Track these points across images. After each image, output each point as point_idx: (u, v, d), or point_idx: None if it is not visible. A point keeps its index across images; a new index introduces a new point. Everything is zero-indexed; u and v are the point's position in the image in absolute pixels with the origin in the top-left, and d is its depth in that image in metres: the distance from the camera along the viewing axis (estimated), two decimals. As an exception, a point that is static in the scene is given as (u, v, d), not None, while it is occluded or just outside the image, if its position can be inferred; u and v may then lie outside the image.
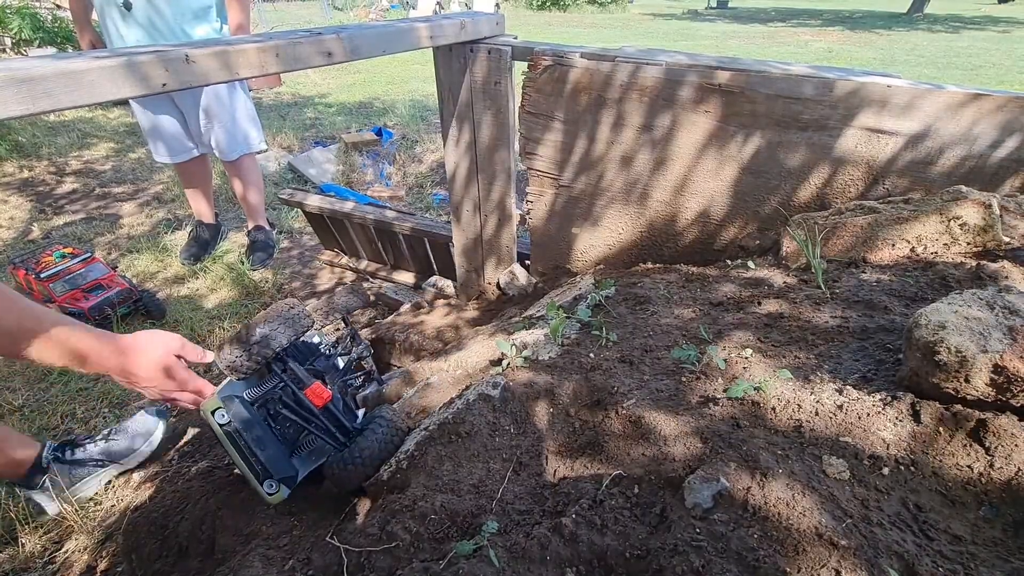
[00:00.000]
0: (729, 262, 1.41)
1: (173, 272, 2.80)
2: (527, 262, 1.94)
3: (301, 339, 1.15)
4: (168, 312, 2.43)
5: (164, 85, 0.85)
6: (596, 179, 1.60)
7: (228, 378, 1.06)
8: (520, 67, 1.55)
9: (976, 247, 1.13)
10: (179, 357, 1.11)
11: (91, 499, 1.46)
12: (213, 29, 2.39)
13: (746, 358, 0.95)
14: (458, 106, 1.67)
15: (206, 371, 1.99)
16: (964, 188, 1.17)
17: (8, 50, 5.25)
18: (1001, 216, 1.16)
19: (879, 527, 0.64)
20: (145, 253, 2.92)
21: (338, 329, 1.22)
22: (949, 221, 1.14)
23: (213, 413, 1.01)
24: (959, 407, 0.73)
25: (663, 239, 1.61)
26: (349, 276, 2.85)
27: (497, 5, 15.14)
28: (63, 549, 1.32)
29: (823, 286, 1.11)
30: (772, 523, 0.65)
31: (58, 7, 6.80)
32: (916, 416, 0.74)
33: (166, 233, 3.14)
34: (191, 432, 1.63)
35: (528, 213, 1.78)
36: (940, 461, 0.71)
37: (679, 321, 1.14)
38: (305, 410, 1.05)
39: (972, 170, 1.24)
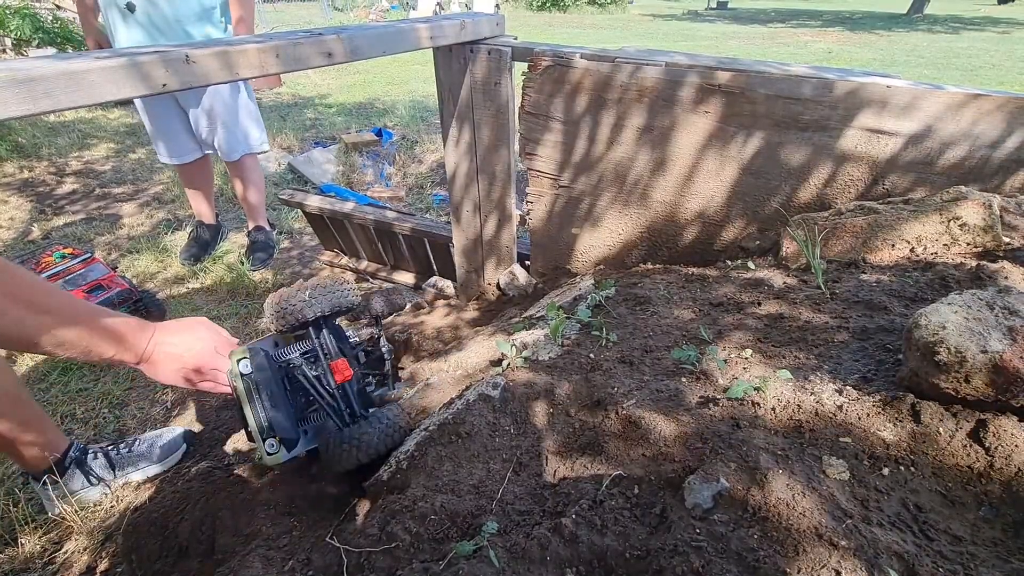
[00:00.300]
0: (729, 263, 1.41)
1: (173, 272, 2.80)
2: (527, 263, 1.94)
3: (336, 321, 1.16)
4: (168, 313, 2.43)
5: (164, 85, 0.85)
6: (596, 179, 1.60)
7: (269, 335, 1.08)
8: (520, 67, 1.55)
9: (976, 247, 1.13)
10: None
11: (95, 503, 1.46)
12: (217, 29, 2.39)
13: (746, 358, 0.95)
14: (458, 106, 1.67)
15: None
16: (964, 188, 1.17)
17: (8, 50, 5.25)
18: (1001, 216, 1.16)
19: (879, 527, 0.64)
20: (145, 253, 2.92)
21: (371, 334, 1.24)
22: (949, 221, 1.14)
23: (238, 362, 1.02)
24: (959, 407, 0.73)
25: (663, 240, 1.61)
26: (349, 276, 2.85)
27: (497, 6, 15.15)
28: (63, 550, 1.32)
29: (823, 286, 1.11)
30: (772, 523, 0.65)
31: (58, 7, 6.80)
32: (916, 416, 0.74)
33: (166, 233, 3.14)
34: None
35: (528, 213, 1.78)
36: (940, 461, 0.71)
37: (679, 322, 1.14)
38: (323, 383, 1.06)
39: (972, 170, 1.24)
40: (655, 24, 15.80)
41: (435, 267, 2.39)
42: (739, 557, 0.61)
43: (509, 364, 1.11)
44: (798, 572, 0.59)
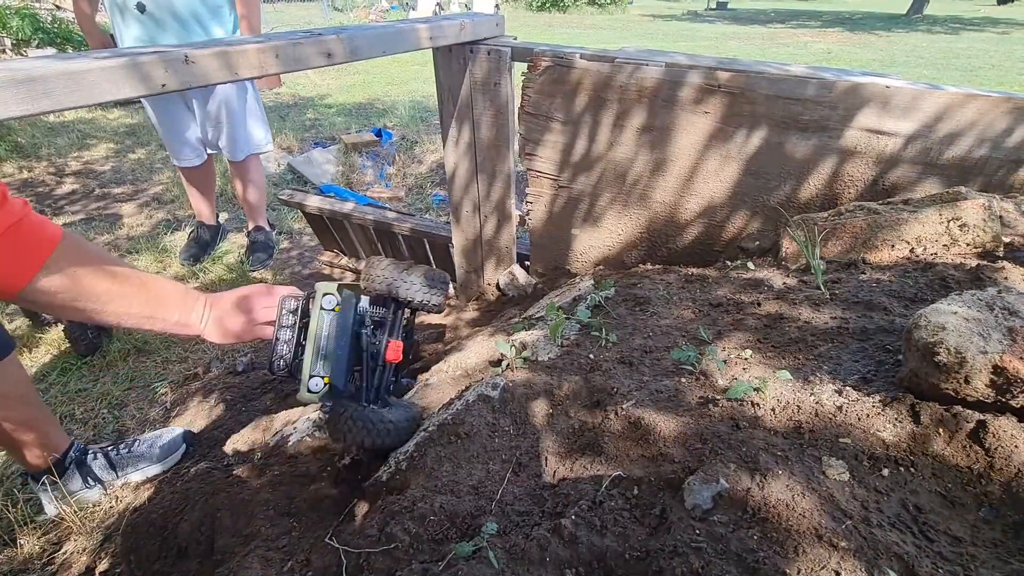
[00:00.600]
0: (729, 263, 1.41)
1: (173, 273, 2.79)
2: (526, 263, 1.94)
3: (411, 314, 1.17)
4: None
5: (164, 85, 0.85)
6: (595, 180, 1.60)
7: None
8: (520, 68, 1.55)
9: (976, 248, 1.13)
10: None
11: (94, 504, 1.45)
12: (225, 30, 2.39)
13: (745, 359, 0.95)
14: (458, 107, 1.67)
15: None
16: (963, 189, 1.17)
17: (8, 51, 5.25)
18: (1001, 217, 1.16)
19: (879, 528, 0.64)
20: (145, 254, 2.92)
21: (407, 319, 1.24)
22: (948, 222, 1.14)
23: (324, 295, 1.02)
24: (959, 408, 0.73)
25: (663, 240, 1.61)
26: (349, 277, 2.85)
27: (497, 6, 15.16)
28: (62, 550, 1.32)
29: (823, 287, 1.11)
30: (772, 524, 0.65)
31: (58, 7, 6.80)
32: (916, 417, 0.74)
33: (166, 234, 3.14)
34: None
35: (528, 214, 1.78)
36: (940, 462, 0.71)
37: (679, 322, 1.14)
38: (374, 355, 1.06)
39: (971, 170, 1.24)
40: (655, 25, 15.81)
41: (434, 267, 2.39)
42: (739, 558, 0.61)
43: (508, 364, 1.11)
44: (798, 573, 0.59)
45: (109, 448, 1.50)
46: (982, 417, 0.71)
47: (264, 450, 1.36)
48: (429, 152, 4.41)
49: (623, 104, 1.45)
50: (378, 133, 4.70)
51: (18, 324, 2.38)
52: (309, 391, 0.99)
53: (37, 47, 5.16)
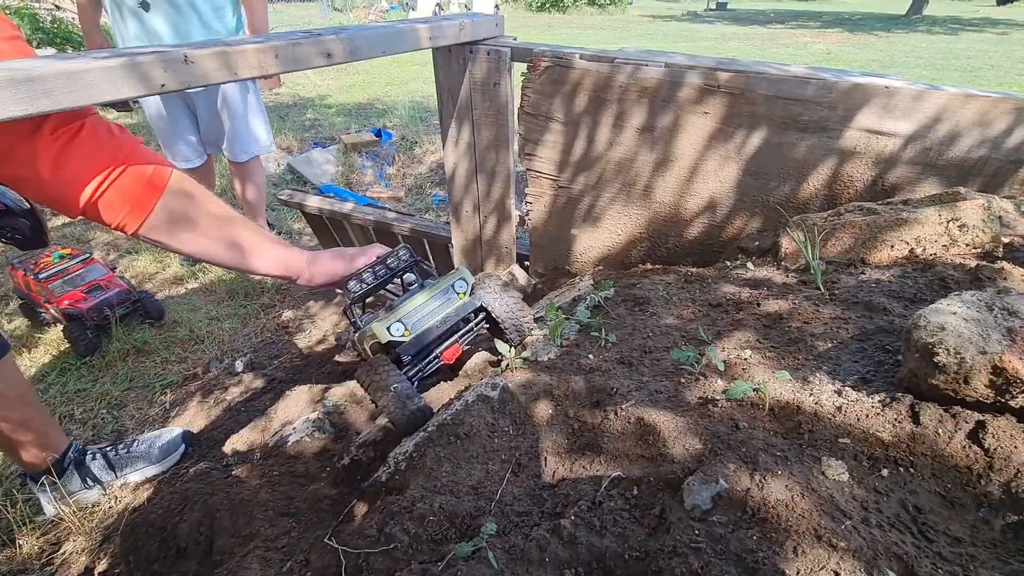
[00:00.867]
0: (728, 263, 1.41)
1: (172, 273, 2.79)
2: (526, 263, 1.94)
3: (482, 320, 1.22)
4: (167, 313, 2.43)
5: (163, 85, 0.85)
6: (595, 180, 1.60)
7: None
8: (519, 68, 1.55)
9: (975, 248, 1.13)
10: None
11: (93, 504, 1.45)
12: (227, 30, 2.39)
13: (745, 359, 0.95)
14: (457, 107, 1.67)
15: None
16: (963, 189, 1.17)
17: (7, 51, 5.25)
18: (1000, 217, 1.16)
19: (878, 528, 0.64)
20: (144, 254, 2.92)
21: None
22: (948, 222, 1.14)
23: (460, 278, 1.11)
24: (958, 408, 0.73)
25: (662, 240, 1.61)
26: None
27: (496, 6, 15.16)
28: (61, 551, 1.32)
29: (822, 287, 1.11)
30: (771, 525, 0.65)
31: (57, 7, 6.80)
32: (915, 417, 0.74)
33: (165, 234, 3.14)
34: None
35: (527, 214, 1.78)
36: (939, 462, 0.71)
37: (678, 322, 1.14)
38: (439, 346, 1.12)
39: (971, 171, 1.24)
40: (655, 25, 15.81)
41: (434, 267, 2.39)
42: (738, 558, 0.61)
43: (508, 364, 1.11)
44: (797, 573, 0.59)
45: (108, 448, 1.50)
46: (981, 417, 0.71)
47: (263, 450, 1.36)
48: (429, 152, 4.41)
49: (623, 104, 1.45)
50: (378, 133, 4.70)
51: (17, 324, 2.38)
52: (388, 330, 1.03)
53: (36, 47, 5.16)
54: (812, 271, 1.15)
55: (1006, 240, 1.15)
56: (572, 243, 1.75)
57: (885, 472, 0.71)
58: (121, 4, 2.22)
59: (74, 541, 1.32)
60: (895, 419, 0.75)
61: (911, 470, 0.71)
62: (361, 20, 14.45)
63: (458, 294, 1.10)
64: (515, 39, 1.63)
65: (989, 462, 0.69)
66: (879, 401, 0.78)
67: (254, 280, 2.72)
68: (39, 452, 1.34)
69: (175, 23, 2.25)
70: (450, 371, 1.28)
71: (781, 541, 0.63)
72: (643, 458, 0.81)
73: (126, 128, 0.97)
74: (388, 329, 1.03)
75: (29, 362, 2.14)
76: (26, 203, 1.06)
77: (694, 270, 1.39)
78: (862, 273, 1.16)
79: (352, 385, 1.52)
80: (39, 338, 2.28)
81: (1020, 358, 0.67)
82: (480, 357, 1.27)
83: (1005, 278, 1.01)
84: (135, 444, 1.52)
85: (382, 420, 1.24)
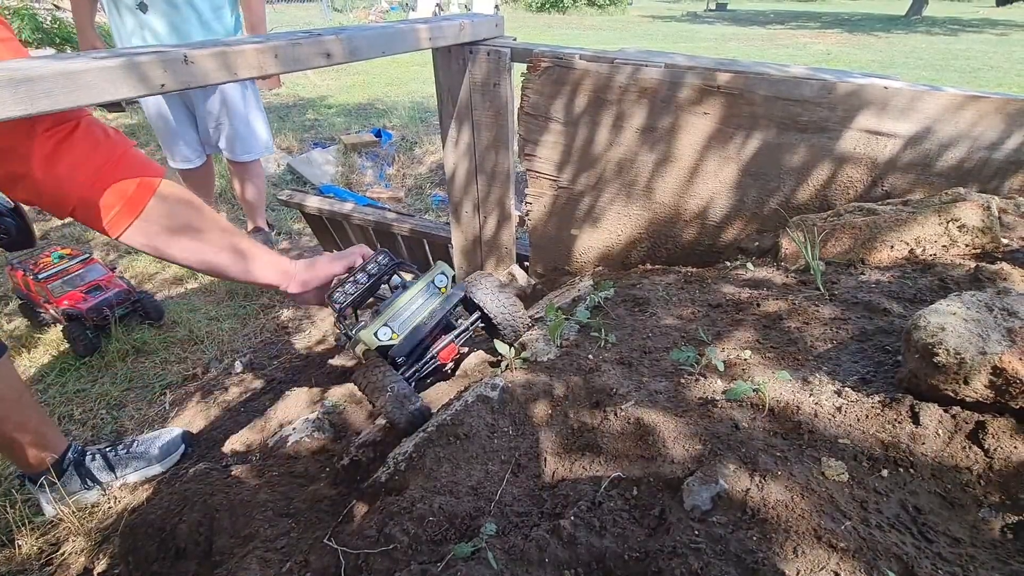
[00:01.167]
0: (728, 263, 1.41)
1: (171, 273, 2.79)
2: (526, 263, 1.94)
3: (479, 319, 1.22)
4: (166, 313, 2.43)
5: (163, 86, 0.85)
6: (595, 180, 1.60)
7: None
8: (519, 68, 1.55)
9: (975, 249, 1.13)
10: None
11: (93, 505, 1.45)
12: (226, 29, 2.39)
13: (745, 359, 0.95)
14: (457, 107, 1.67)
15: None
16: (963, 190, 1.17)
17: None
18: (1000, 218, 1.16)
19: (878, 529, 0.64)
20: (144, 254, 2.92)
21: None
22: (948, 223, 1.14)
23: (439, 273, 1.10)
24: (958, 409, 0.73)
25: (662, 240, 1.61)
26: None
27: (496, 7, 15.16)
28: (60, 551, 1.31)
29: (822, 287, 1.11)
30: (771, 525, 0.65)
31: (57, 7, 6.80)
32: (915, 418, 0.74)
33: (165, 234, 3.14)
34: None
35: (527, 214, 1.78)
36: (939, 463, 0.71)
37: (678, 322, 1.14)
38: (433, 345, 1.13)
39: (970, 172, 1.24)
40: (654, 26, 15.82)
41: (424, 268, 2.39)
42: (738, 559, 0.61)
43: (508, 365, 1.11)
44: (797, 574, 0.59)
45: (107, 449, 1.50)
46: (981, 418, 0.71)
47: (263, 451, 1.36)
48: (429, 153, 4.41)
49: (622, 105, 1.45)
50: (378, 133, 4.70)
51: (16, 325, 2.38)
52: (376, 335, 1.03)
53: (35, 48, 5.16)
54: (812, 271, 1.15)
55: (1005, 241, 1.15)
56: (572, 243, 1.75)
57: (885, 472, 0.71)
58: (119, 2, 2.22)
59: (73, 542, 1.32)
60: (895, 420, 0.75)
61: (911, 471, 0.71)
62: (361, 20, 14.45)
63: (439, 288, 1.11)
64: (515, 39, 1.63)
65: (989, 462, 0.69)
66: (879, 402, 0.78)
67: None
68: (38, 453, 1.34)
69: (173, 22, 2.25)
70: (447, 371, 1.28)
71: (781, 541, 0.63)
72: (643, 458, 0.81)
73: (120, 130, 0.98)
74: (376, 334, 1.03)
75: (28, 362, 2.14)
76: (11, 202, 1.06)
77: (694, 270, 1.39)
78: (862, 274, 1.16)
79: (351, 385, 1.52)
80: (38, 338, 2.28)
81: (1020, 359, 0.67)
82: (479, 357, 1.27)
83: (1005, 279, 1.01)
84: (134, 444, 1.51)
85: (381, 420, 1.24)
